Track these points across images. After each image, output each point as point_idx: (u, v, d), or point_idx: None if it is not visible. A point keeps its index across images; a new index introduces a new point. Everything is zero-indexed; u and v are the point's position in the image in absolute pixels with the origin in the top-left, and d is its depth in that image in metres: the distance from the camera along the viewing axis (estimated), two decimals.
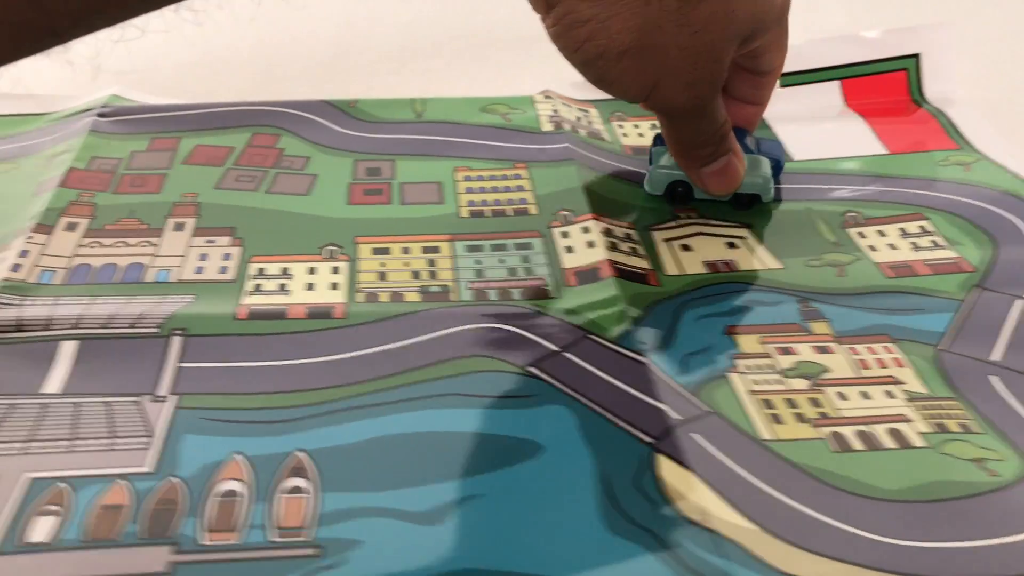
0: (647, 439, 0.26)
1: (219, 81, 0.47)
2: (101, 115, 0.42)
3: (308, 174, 0.39)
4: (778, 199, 0.37)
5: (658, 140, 0.38)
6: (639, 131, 0.43)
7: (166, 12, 0.27)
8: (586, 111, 0.44)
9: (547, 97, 0.44)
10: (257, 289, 0.32)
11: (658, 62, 0.30)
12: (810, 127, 0.43)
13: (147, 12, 0.26)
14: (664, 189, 0.37)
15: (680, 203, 0.37)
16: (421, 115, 0.42)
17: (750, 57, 0.34)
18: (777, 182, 0.38)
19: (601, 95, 0.45)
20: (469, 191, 0.38)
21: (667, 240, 0.35)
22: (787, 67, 0.46)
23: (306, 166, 0.39)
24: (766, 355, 0.29)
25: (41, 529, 0.23)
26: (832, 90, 0.44)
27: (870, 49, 0.44)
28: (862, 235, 0.35)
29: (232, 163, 0.39)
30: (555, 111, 0.43)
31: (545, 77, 0.45)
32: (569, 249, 0.34)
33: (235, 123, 0.41)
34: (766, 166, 0.37)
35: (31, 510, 0.24)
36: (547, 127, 0.42)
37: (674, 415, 0.27)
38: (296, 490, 0.24)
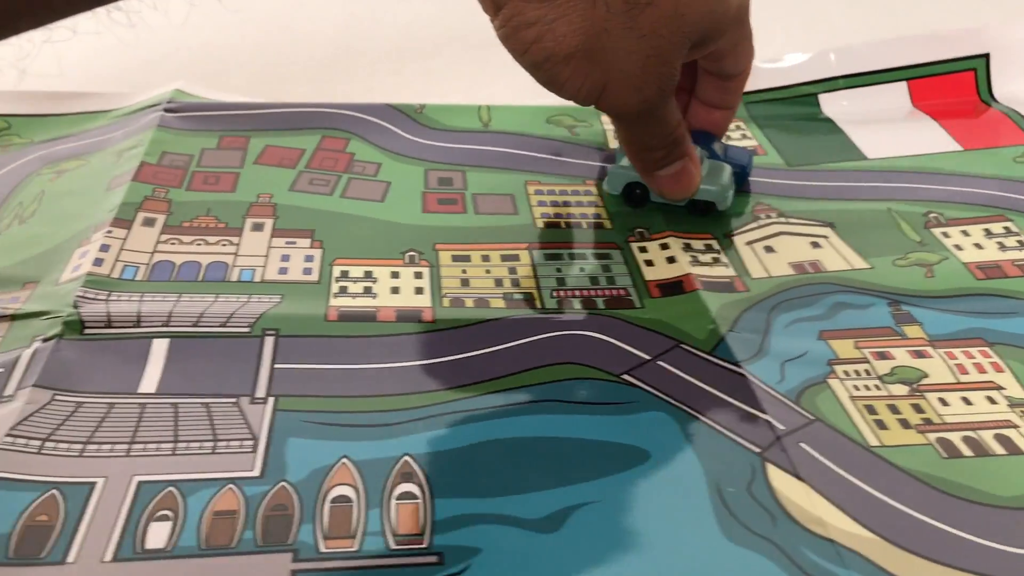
0: (754, 448, 0.26)
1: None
2: (168, 110, 0.41)
3: (381, 181, 0.38)
4: (857, 198, 0.37)
5: None
6: None
7: (99, 12, 0.27)
8: None
9: None
10: (343, 291, 0.32)
11: (606, 65, 0.30)
12: (880, 127, 0.42)
13: (76, 13, 0.26)
14: (621, 189, 0.37)
15: (638, 204, 0.37)
16: (488, 125, 0.42)
17: (713, 60, 0.34)
18: (743, 187, 0.38)
19: None
20: (541, 204, 0.37)
21: (749, 243, 0.35)
22: (853, 68, 0.46)
23: (378, 172, 0.39)
24: (863, 360, 0.29)
25: (158, 535, 0.23)
26: (899, 91, 0.44)
27: (937, 49, 0.44)
28: (946, 235, 0.35)
29: (304, 166, 0.39)
30: None
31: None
32: (649, 263, 0.34)
33: (304, 125, 0.41)
34: (727, 174, 0.36)
35: (146, 515, 0.23)
36: (613, 144, 0.41)
37: (779, 425, 0.27)
38: (408, 496, 0.24)
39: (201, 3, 0.50)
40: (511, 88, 0.44)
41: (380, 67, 0.49)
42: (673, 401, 0.28)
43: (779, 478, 0.25)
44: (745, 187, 0.38)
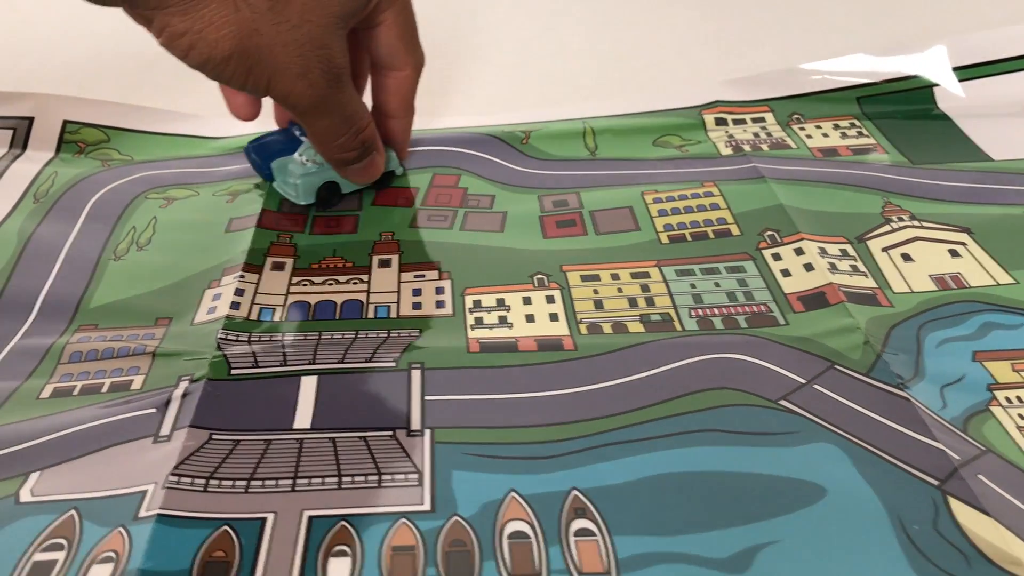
0: (932, 481, 0.25)
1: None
2: None
3: (497, 212, 0.38)
4: (974, 200, 0.36)
5: (258, 152, 0.40)
6: (822, 131, 0.42)
7: None
8: (762, 118, 0.44)
9: (717, 119, 0.44)
10: (479, 322, 0.32)
11: (265, 61, 0.31)
12: (1000, 123, 0.41)
13: None
14: (315, 195, 0.39)
15: (328, 204, 0.39)
16: (595, 153, 0.42)
17: (375, 46, 0.36)
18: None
19: (775, 93, 0.44)
20: (662, 213, 0.37)
21: (885, 249, 0.34)
22: (965, 60, 0.44)
23: (493, 204, 0.39)
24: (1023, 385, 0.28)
25: (338, 570, 0.23)
26: (1018, 82, 0.43)
27: None
28: None
29: (420, 203, 0.39)
30: (730, 136, 0.42)
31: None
32: (786, 272, 0.33)
33: (414, 164, 0.42)
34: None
35: (323, 550, 0.23)
36: (726, 152, 0.41)
37: (953, 455, 0.26)
38: (586, 532, 0.24)
39: None
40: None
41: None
42: (838, 430, 0.27)
43: (965, 513, 0.24)
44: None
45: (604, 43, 0.53)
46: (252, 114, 0.37)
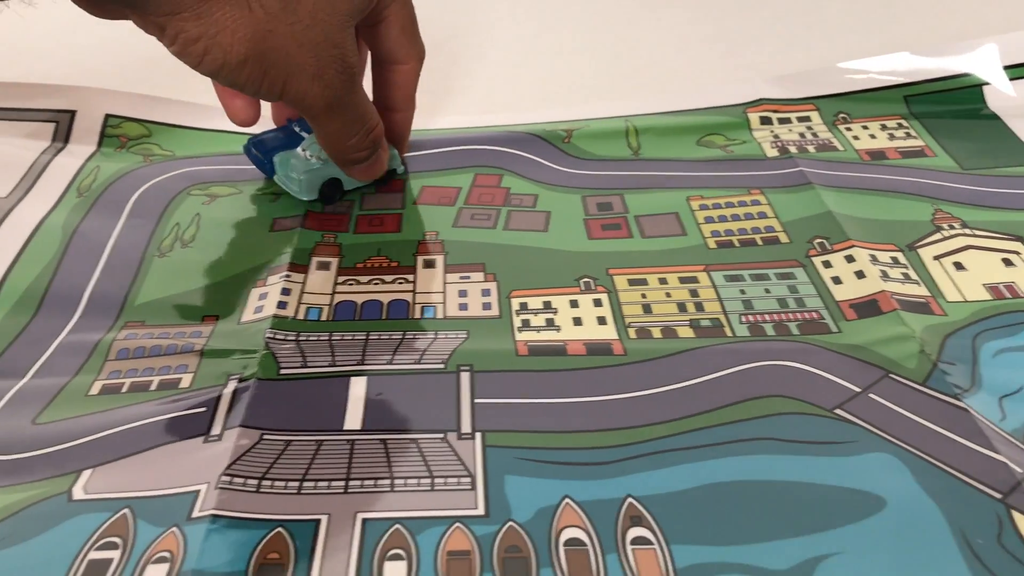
0: (995, 494, 0.24)
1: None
2: None
3: (541, 211, 0.38)
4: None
5: (258, 147, 0.40)
6: (869, 132, 0.41)
7: None
8: (807, 117, 0.43)
9: (762, 118, 0.43)
10: (526, 325, 0.32)
11: (281, 63, 0.30)
12: None
13: None
14: (318, 191, 0.39)
15: (331, 199, 0.39)
16: (638, 152, 0.42)
17: (379, 42, 0.36)
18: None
19: (820, 91, 0.43)
20: (708, 220, 0.37)
21: (937, 257, 0.33)
22: (1017, 58, 0.43)
23: (536, 203, 0.39)
24: None
25: (395, 574, 0.23)
26: None
27: None
28: None
29: (463, 202, 0.39)
30: (776, 136, 0.42)
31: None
32: (837, 280, 0.33)
33: (456, 164, 0.42)
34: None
35: (378, 553, 0.23)
36: (772, 153, 0.41)
37: (1016, 468, 0.25)
38: (643, 541, 0.23)
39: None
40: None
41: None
42: (895, 440, 0.26)
43: None
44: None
45: (644, 39, 0.52)
46: (252, 118, 0.37)
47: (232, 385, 0.29)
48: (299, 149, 0.38)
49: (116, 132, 0.43)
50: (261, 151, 0.39)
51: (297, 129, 0.39)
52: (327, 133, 0.34)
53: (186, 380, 0.30)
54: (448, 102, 0.48)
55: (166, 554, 0.23)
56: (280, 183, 0.39)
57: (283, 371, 0.29)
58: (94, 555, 0.24)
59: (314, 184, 0.38)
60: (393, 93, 0.38)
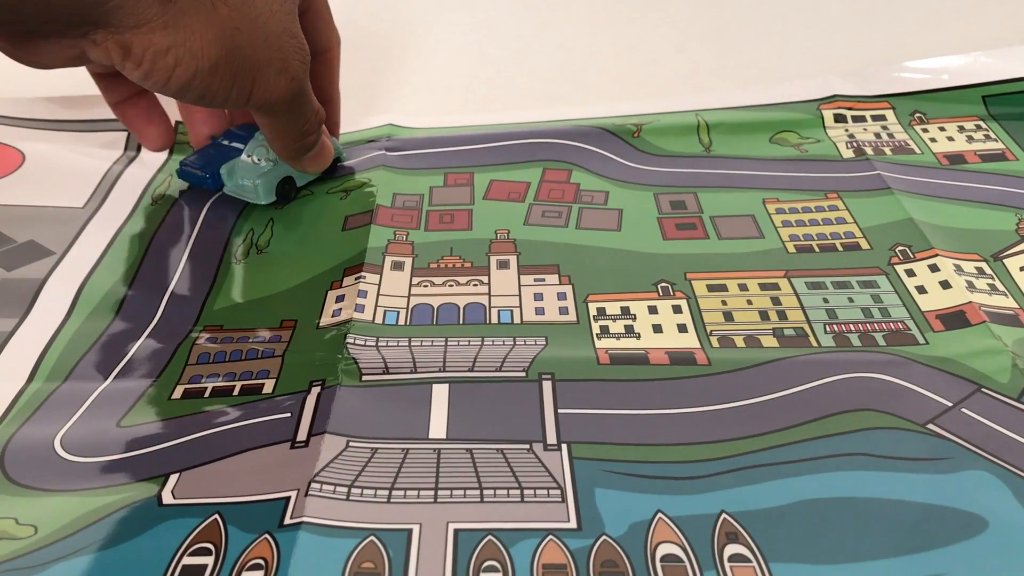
0: None
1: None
2: (389, 149, 0.42)
3: (612, 209, 0.38)
4: None
5: (198, 166, 0.39)
6: (947, 134, 0.40)
7: None
8: (882, 116, 0.42)
9: (836, 116, 0.42)
10: (604, 331, 0.31)
11: (250, 61, 0.30)
12: None
13: None
14: (275, 192, 0.39)
15: (287, 198, 0.39)
16: (709, 148, 0.41)
17: (307, 32, 0.35)
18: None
19: (895, 88, 0.41)
20: (786, 224, 0.36)
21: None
22: None
23: (607, 200, 0.38)
24: None
25: None
26: None
27: None
28: None
29: (533, 198, 0.39)
30: (851, 135, 0.41)
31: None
32: (921, 289, 0.32)
33: (523, 157, 0.41)
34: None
35: (473, 565, 0.23)
36: (848, 154, 0.40)
37: None
38: (740, 558, 0.23)
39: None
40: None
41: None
42: (992, 457, 0.26)
43: None
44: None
45: (710, 32, 0.51)
46: (166, 143, 0.37)
47: (315, 391, 0.29)
48: (244, 156, 0.38)
49: (186, 139, 0.43)
50: (202, 168, 0.39)
51: (226, 142, 0.39)
52: (285, 124, 0.34)
53: (268, 386, 0.30)
54: (514, 94, 0.47)
55: (260, 561, 0.24)
56: (234, 193, 0.39)
57: (365, 377, 0.29)
58: (188, 560, 0.24)
59: (271, 185, 0.38)
60: (325, 80, 0.38)
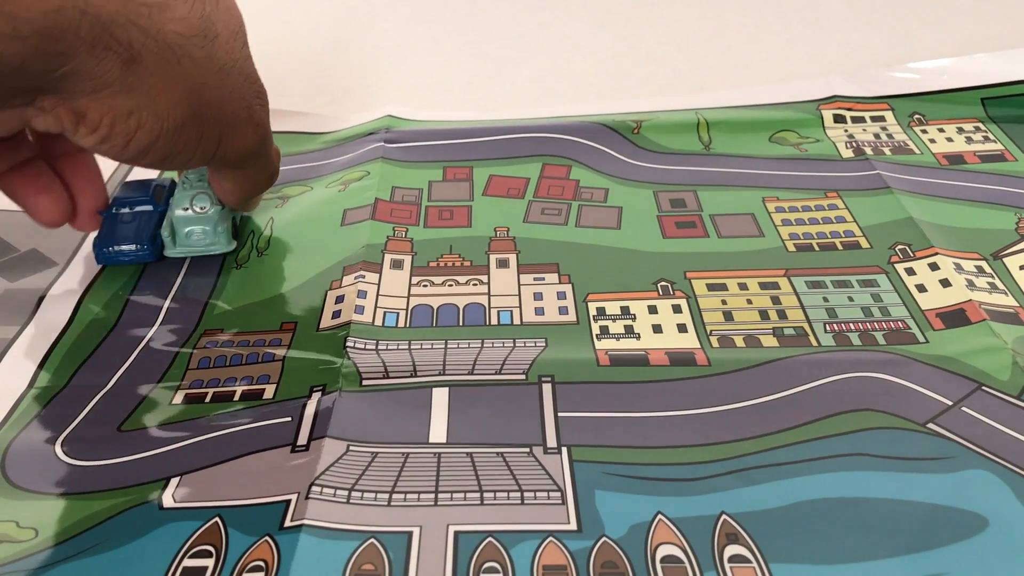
0: None
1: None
2: (388, 141, 0.42)
3: (612, 206, 0.38)
4: None
5: (131, 240, 0.35)
6: (946, 135, 0.41)
7: None
8: (881, 117, 0.42)
9: (836, 116, 0.42)
10: (604, 332, 0.31)
11: (218, 115, 0.28)
12: None
13: None
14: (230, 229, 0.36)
15: (238, 240, 0.37)
16: (709, 147, 0.41)
17: None
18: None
19: (894, 90, 0.41)
20: (786, 223, 0.36)
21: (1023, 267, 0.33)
22: None
23: (607, 198, 0.38)
24: None
25: None
26: None
27: None
28: None
29: (532, 195, 0.39)
30: (850, 136, 0.41)
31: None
32: (921, 288, 0.32)
33: (522, 152, 0.41)
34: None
35: (473, 566, 0.23)
36: (847, 154, 0.40)
37: None
38: (740, 559, 0.23)
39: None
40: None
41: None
42: (993, 456, 0.26)
43: None
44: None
45: (711, 31, 0.51)
46: (62, 217, 0.32)
47: (316, 396, 0.29)
48: (179, 211, 0.35)
49: None
50: (139, 241, 0.35)
51: (126, 209, 0.36)
52: (253, 172, 0.32)
53: (269, 391, 0.30)
54: (514, 91, 0.47)
55: (260, 563, 0.24)
56: (183, 254, 0.36)
57: (365, 382, 0.29)
58: (188, 563, 0.24)
59: (230, 229, 0.36)
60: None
